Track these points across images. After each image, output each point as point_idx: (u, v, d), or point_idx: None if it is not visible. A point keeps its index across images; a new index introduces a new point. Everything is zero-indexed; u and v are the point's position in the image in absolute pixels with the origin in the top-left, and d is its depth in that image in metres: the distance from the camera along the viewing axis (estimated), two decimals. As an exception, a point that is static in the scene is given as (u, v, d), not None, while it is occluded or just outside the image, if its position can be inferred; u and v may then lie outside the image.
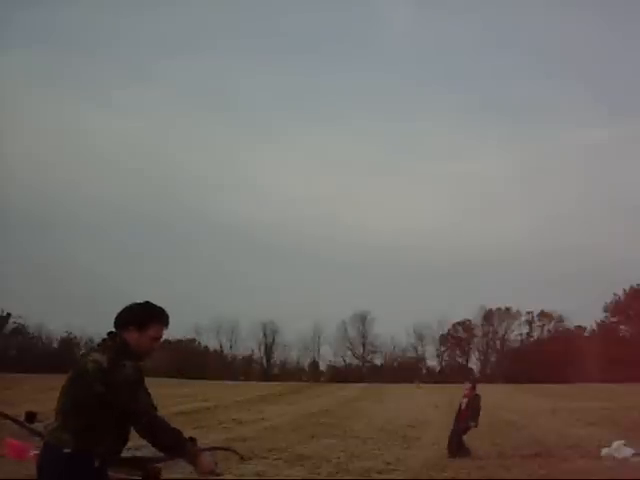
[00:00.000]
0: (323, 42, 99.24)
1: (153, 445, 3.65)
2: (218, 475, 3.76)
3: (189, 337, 77.06)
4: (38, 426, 4.29)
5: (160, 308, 3.86)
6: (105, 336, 3.77)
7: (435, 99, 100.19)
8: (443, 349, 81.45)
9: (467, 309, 79.40)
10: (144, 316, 3.77)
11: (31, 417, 4.48)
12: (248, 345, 79.08)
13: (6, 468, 10.08)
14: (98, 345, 3.76)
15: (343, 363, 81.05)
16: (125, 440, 3.71)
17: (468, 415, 12.66)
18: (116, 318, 3.78)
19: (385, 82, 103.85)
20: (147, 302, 3.85)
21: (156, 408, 3.63)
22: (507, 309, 78.90)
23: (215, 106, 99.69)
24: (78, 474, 3.50)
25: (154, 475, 4.01)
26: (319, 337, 79.54)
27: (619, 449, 12.49)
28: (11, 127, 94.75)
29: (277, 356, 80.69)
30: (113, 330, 3.76)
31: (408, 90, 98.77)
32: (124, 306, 3.83)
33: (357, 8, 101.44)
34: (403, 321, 78.10)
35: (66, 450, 3.48)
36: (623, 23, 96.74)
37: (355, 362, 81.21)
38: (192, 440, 3.67)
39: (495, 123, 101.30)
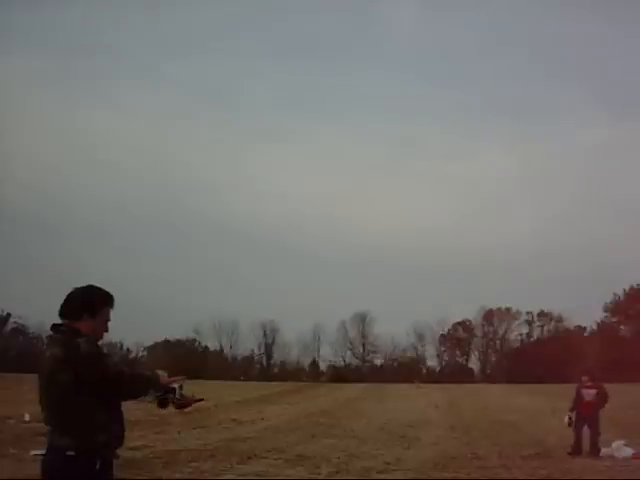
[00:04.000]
0: (323, 42, 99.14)
1: (135, 398, 3.81)
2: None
3: (189, 337, 77.30)
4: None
5: (107, 291, 3.83)
6: (51, 331, 3.72)
7: (436, 99, 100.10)
8: (443, 349, 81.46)
9: (467, 309, 79.47)
10: (96, 303, 3.74)
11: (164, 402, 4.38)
12: (248, 345, 79.24)
13: (7, 468, 10.11)
14: (49, 342, 3.72)
15: (343, 363, 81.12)
16: (121, 420, 3.70)
17: (597, 406, 13.05)
18: (64, 308, 3.72)
19: (386, 82, 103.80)
20: (91, 286, 3.81)
21: (123, 369, 3.67)
22: (507, 309, 78.87)
23: (216, 106, 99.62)
24: (79, 476, 3.50)
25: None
26: (319, 337, 79.63)
27: (619, 449, 12.51)
28: (11, 127, 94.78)
29: (277, 356, 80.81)
30: (57, 322, 3.71)
31: (409, 90, 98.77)
32: (68, 294, 3.77)
33: (358, 8, 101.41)
34: (403, 321, 78.13)
35: (69, 453, 3.48)
36: (624, 23, 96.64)
37: (355, 362, 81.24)
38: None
39: (495, 124, 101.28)
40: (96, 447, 3.51)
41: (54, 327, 3.72)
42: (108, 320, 3.82)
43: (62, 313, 3.72)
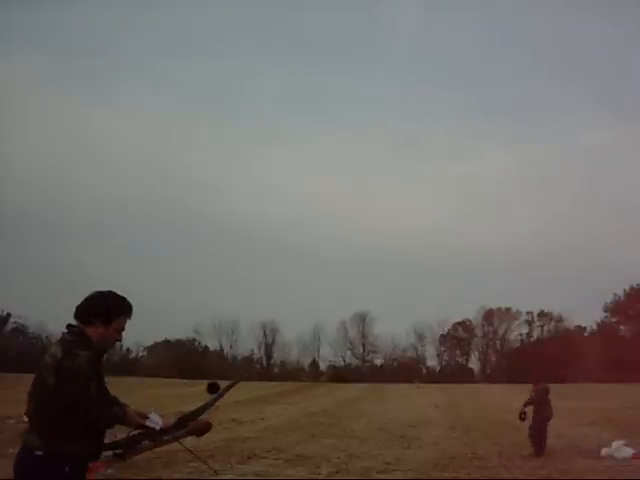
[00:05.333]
0: (324, 42, 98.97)
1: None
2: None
3: (189, 337, 77.30)
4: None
5: (125, 300, 3.72)
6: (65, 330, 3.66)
7: (438, 99, 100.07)
8: (443, 349, 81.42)
9: (467, 309, 79.46)
10: (111, 311, 3.64)
11: (214, 388, 4.29)
12: (248, 345, 79.24)
13: (7, 468, 10.11)
14: (57, 340, 3.66)
15: (343, 363, 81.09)
16: (99, 438, 3.60)
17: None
18: (79, 310, 3.64)
19: (388, 82, 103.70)
20: (111, 293, 3.72)
21: (107, 403, 3.55)
22: (507, 309, 78.84)
23: (216, 106, 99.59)
24: (46, 477, 3.45)
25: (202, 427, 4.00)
26: (319, 337, 79.57)
27: (619, 449, 12.52)
28: (11, 127, 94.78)
29: (277, 356, 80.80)
30: (72, 323, 3.65)
31: (411, 90, 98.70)
32: (86, 296, 3.69)
33: (360, 8, 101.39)
34: (403, 321, 78.17)
35: (37, 453, 3.43)
36: (627, 24, 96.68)
37: (355, 362, 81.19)
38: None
39: (498, 124, 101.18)
40: (63, 454, 3.44)
41: (68, 327, 3.66)
42: (123, 329, 3.73)
43: (75, 314, 3.65)
